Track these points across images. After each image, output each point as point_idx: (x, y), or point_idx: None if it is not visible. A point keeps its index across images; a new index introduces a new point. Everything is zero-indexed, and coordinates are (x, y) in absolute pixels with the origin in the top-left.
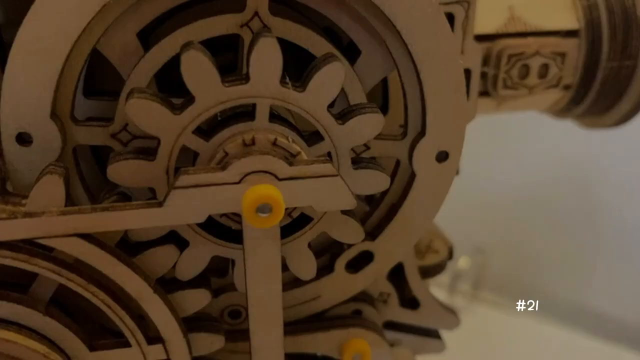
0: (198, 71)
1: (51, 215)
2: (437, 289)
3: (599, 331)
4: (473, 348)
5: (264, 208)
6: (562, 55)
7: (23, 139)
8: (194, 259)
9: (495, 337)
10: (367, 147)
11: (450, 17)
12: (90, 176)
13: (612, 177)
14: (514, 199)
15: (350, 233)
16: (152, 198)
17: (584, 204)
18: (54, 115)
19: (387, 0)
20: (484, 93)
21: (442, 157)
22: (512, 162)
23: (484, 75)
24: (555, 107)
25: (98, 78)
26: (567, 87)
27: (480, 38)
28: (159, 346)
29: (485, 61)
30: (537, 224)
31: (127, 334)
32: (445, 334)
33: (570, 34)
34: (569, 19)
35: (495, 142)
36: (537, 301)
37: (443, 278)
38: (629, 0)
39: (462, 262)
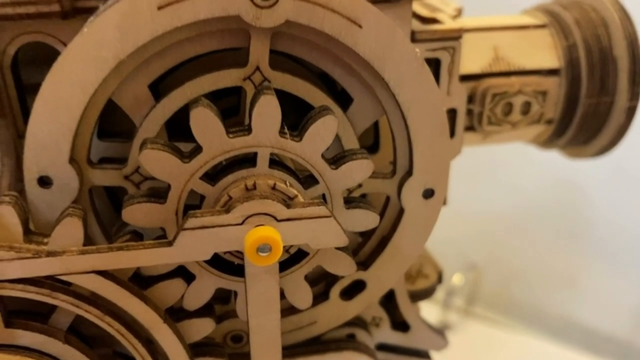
0: (205, 125)
1: (71, 255)
2: (432, 305)
3: (588, 345)
4: None
5: (264, 248)
6: (544, 93)
7: (44, 182)
8: (200, 291)
9: (488, 352)
10: (359, 184)
11: (437, 62)
12: (102, 211)
13: (598, 196)
14: (505, 218)
15: (343, 266)
16: (161, 236)
17: (571, 222)
18: (72, 160)
19: (376, 56)
20: (470, 128)
21: (429, 194)
22: (502, 184)
23: (470, 112)
24: (539, 139)
25: (110, 120)
26: (549, 122)
27: (466, 77)
28: None
29: (471, 99)
30: (527, 242)
31: (138, 359)
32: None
33: (552, 72)
34: (550, 59)
35: (485, 165)
36: (528, 316)
37: (437, 294)
38: (606, 41)
39: (455, 279)
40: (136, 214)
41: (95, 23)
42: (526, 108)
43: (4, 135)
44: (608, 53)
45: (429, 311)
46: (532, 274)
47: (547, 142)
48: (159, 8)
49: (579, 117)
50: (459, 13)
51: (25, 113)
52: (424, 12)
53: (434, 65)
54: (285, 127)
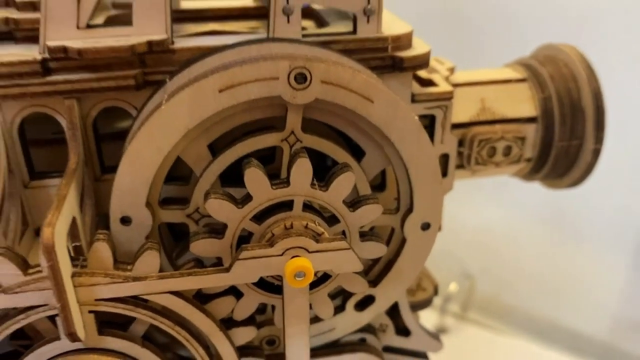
0: (255, 180)
1: (152, 279)
2: (430, 310)
3: (571, 347)
4: None
5: (300, 274)
6: (523, 138)
7: (125, 220)
8: (247, 306)
9: (481, 353)
10: None
11: (432, 118)
12: (166, 239)
13: (584, 211)
14: (497, 233)
15: (358, 285)
16: (217, 263)
17: (556, 236)
18: (148, 203)
19: (384, 123)
20: (460, 166)
21: (426, 226)
22: (495, 201)
23: (460, 154)
24: (520, 173)
25: (173, 168)
26: (528, 160)
27: (457, 126)
28: None
29: (461, 143)
30: (517, 254)
31: (196, 355)
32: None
33: (530, 120)
34: (528, 109)
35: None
36: (518, 320)
37: (435, 301)
38: (575, 94)
39: (452, 287)
40: (200, 247)
41: (170, 102)
42: (507, 151)
43: (86, 180)
44: (577, 104)
45: (428, 316)
46: (521, 282)
47: (527, 176)
48: (220, 91)
49: (553, 157)
50: (452, 71)
51: (100, 159)
52: (422, 73)
53: (430, 119)
54: (315, 180)
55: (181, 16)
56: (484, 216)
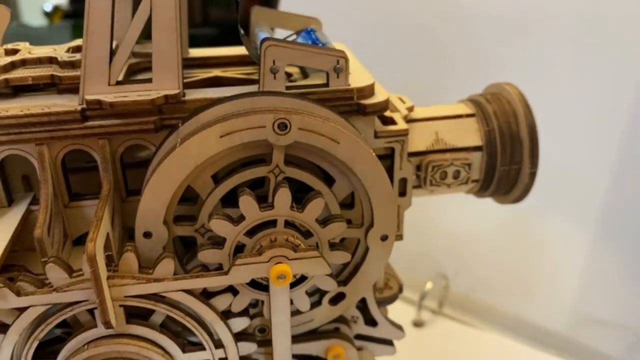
0: (247, 205)
1: (169, 281)
2: (409, 307)
3: (535, 339)
4: (437, 352)
5: (281, 276)
6: (469, 164)
7: (147, 235)
8: (242, 300)
9: (454, 345)
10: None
11: (392, 150)
12: (178, 248)
13: (544, 219)
14: (469, 237)
15: (329, 284)
16: (218, 268)
17: (522, 240)
18: (165, 221)
19: (348, 159)
20: (418, 186)
21: (384, 238)
22: (467, 208)
23: (418, 176)
24: (470, 192)
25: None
26: (475, 181)
27: (415, 154)
28: (221, 350)
29: (419, 168)
30: (487, 256)
31: (204, 343)
32: (417, 341)
33: (476, 149)
34: (475, 139)
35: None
36: (487, 315)
37: (414, 298)
38: (515, 127)
39: (428, 285)
40: (206, 255)
41: (183, 145)
42: (457, 174)
43: (116, 201)
44: (516, 135)
45: (407, 311)
46: (490, 282)
47: (477, 194)
48: (221, 137)
49: (497, 179)
50: (411, 109)
51: (125, 184)
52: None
53: (391, 151)
54: (294, 204)
55: (190, 63)
56: (457, 223)
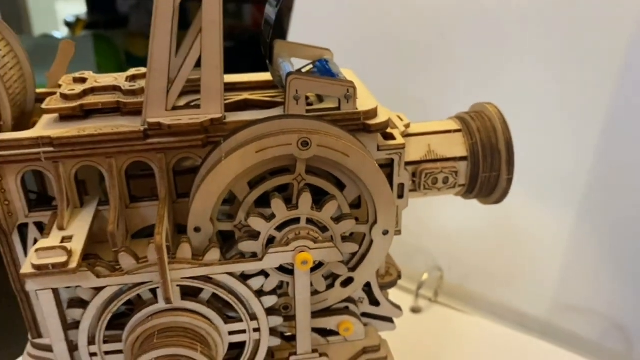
0: (277, 205)
1: (215, 265)
2: (408, 295)
3: (519, 324)
4: (432, 335)
5: (304, 262)
6: (456, 172)
7: (197, 230)
8: (271, 282)
9: (448, 329)
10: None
11: (392, 160)
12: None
13: (530, 215)
14: (461, 232)
15: (341, 269)
16: (253, 255)
17: (507, 236)
18: (211, 219)
19: (356, 169)
20: (413, 190)
21: (385, 232)
22: (460, 207)
23: (413, 182)
24: (458, 194)
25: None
26: (461, 186)
27: (411, 163)
28: (255, 321)
29: (414, 174)
30: (477, 250)
31: (242, 316)
32: (414, 326)
33: (462, 159)
34: (461, 151)
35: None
36: (478, 303)
37: (412, 287)
38: (494, 141)
39: (424, 276)
40: (245, 246)
41: (227, 159)
42: (446, 180)
43: (169, 203)
44: (495, 147)
45: (405, 299)
46: (480, 273)
47: (464, 196)
48: (256, 152)
49: (479, 184)
50: (408, 125)
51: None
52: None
53: (391, 161)
54: (313, 205)
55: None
56: (449, 221)
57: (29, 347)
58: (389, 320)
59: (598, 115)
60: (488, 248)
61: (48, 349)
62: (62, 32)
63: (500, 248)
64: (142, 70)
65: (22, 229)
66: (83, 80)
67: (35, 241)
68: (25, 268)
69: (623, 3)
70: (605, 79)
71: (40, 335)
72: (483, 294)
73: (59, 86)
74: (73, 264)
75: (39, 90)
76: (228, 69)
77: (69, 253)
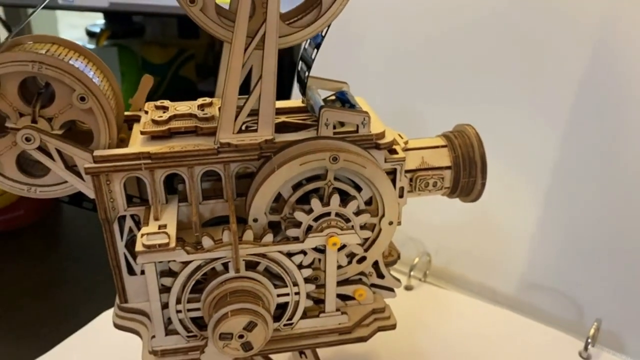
0: (315, 203)
1: (269, 245)
2: (402, 276)
3: (494, 300)
4: (422, 308)
5: (334, 245)
6: (443, 177)
7: (255, 220)
8: (309, 258)
9: (435, 304)
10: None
11: (395, 169)
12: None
13: (502, 208)
14: (445, 225)
15: (358, 250)
16: (295, 238)
17: (484, 225)
18: (265, 212)
19: (370, 176)
20: (410, 192)
21: (390, 223)
22: (445, 203)
23: (411, 185)
24: (444, 194)
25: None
26: (447, 188)
27: (409, 171)
28: (296, 287)
29: (411, 180)
30: (459, 239)
31: (287, 282)
32: (407, 301)
33: (447, 168)
34: (446, 161)
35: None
36: (461, 283)
37: (405, 270)
38: (472, 154)
39: (415, 260)
40: (291, 232)
41: (279, 170)
42: (435, 184)
43: (230, 201)
44: (472, 160)
45: (400, 279)
46: (462, 257)
47: (448, 196)
48: (300, 164)
49: (460, 187)
50: (407, 142)
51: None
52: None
53: (394, 170)
54: (340, 202)
55: None
56: (437, 215)
57: (116, 310)
58: (391, 289)
59: (562, 119)
60: (467, 237)
61: (132, 311)
62: (82, 41)
63: (478, 237)
64: (208, 100)
65: (121, 220)
66: (164, 108)
67: (130, 229)
68: (138, 247)
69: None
70: (568, 88)
71: (127, 301)
72: (463, 275)
73: (145, 111)
74: (172, 244)
75: (126, 113)
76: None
77: (168, 236)
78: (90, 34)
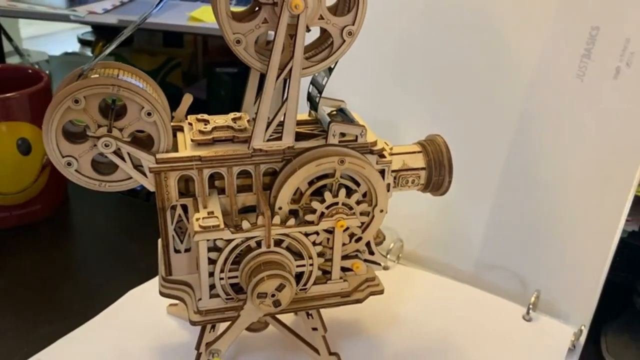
0: (328, 196)
1: (292, 227)
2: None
3: (454, 277)
4: (396, 285)
5: (341, 227)
6: (419, 177)
7: (279, 208)
8: (321, 238)
9: (407, 281)
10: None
11: (384, 169)
12: None
13: (460, 200)
14: (416, 214)
15: (357, 232)
16: (312, 222)
17: (447, 215)
18: (287, 202)
19: (368, 175)
20: (395, 187)
21: (381, 211)
22: (415, 196)
23: (395, 182)
24: (419, 190)
25: None
26: (422, 185)
27: (393, 171)
28: (311, 260)
29: (395, 178)
30: (426, 227)
31: (304, 256)
32: (384, 279)
33: (422, 169)
34: (421, 164)
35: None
36: (428, 263)
37: (382, 253)
38: (441, 158)
39: (391, 245)
40: (308, 217)
41: (300, 170)
42: (413, 182)
43: (260, 194)
44: (442, 163)
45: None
46: (429, 242)
47: (422, 191)
48: (316, 166)
49: (432, 184)
50: (392, 148)
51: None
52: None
53: (383, 170)
54: (346, 195)
55: None
56: (410, 206)
57: (161, 281)
58: (379, 264)
59: (508, 123)
60: (433, 224)
61: (175, 282)
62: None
63: (441, 224)
64: (238, 114)
65: (172, 209)
66: (205, 120)
67: (179, 216)
68: (196, 228)
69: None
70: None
71: (171, 274)
72: (430, 256)
73: (189, 123)
74: (222, 225)
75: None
76: (233, 91)
77: (218, 219)
78: (83, 42)
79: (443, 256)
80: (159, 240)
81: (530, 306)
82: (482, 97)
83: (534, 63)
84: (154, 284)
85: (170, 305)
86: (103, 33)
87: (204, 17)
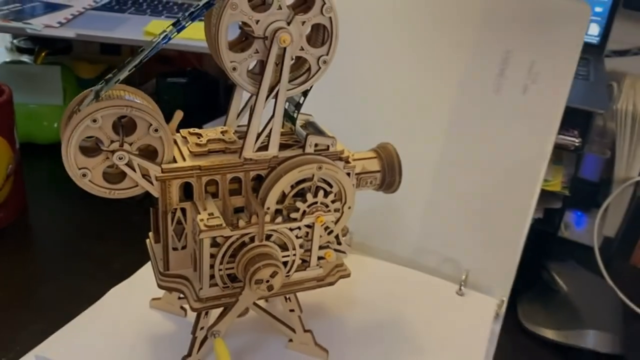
0: (309, 197)
1: (280, 224)
2: None
3: (396, 262)
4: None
5: (321, 222)
6: (376, 178)
7: (268, 208)
8: (302, 232)
9: (357, 267)
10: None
11: (349, 173)
12: None
13: (403, 196)
14: (364, 210)
15: (331, 225)
16: (296, 218)
17: (391, 209)
18: (275, 202)
19: (339, 178)
20: (357, 187)
21: (349, 207)
22: (366, 195)
23: (358, 183)
24: (375, 189)
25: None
26: (378, 185)
27: (357, 174)
28: (294, 250)
29: (357, 179)
30: (373, 219)
31: (289, 247)
32: None
33: (378, 172)
34: (377, 167)
35: None
36: (373, 251)
37: None
38: (393, 162)
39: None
40: (293, 215)
41: (285, 176)
42: (371, 182)
43: (251, 196)
44: (393, 166)
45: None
46: (375, 233)
47: (377, 189)
48: (298, 172)
49: (385, 184)
50: (353, 155)
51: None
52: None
53: (349, 173)
54: (322, 196)
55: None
56: (357, 202)
57: (158, 276)
58: (344, 252)
59: (439, 129)
60: (379, 217)
61: (172, 276)
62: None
63: (384, 217)
64: (225, 128)
65: (171, 212)
66: (198, 134)
67: (179, 219)
68: (202, 227)
69: None
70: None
71: (169, 269)
72: (376, 245)
73: (182, 136)
74: (223, 224)
75: None
76: (183, 100)
77: (220, 220)
78: (21, 50)
79: (386, 244)
80: (147, 241)
81: (462, 283)
82: (419, 106)
83: (459, 80)
84: (133, 281)
85: (153, 299)
86: (46, 42)
87: (157, 32)
